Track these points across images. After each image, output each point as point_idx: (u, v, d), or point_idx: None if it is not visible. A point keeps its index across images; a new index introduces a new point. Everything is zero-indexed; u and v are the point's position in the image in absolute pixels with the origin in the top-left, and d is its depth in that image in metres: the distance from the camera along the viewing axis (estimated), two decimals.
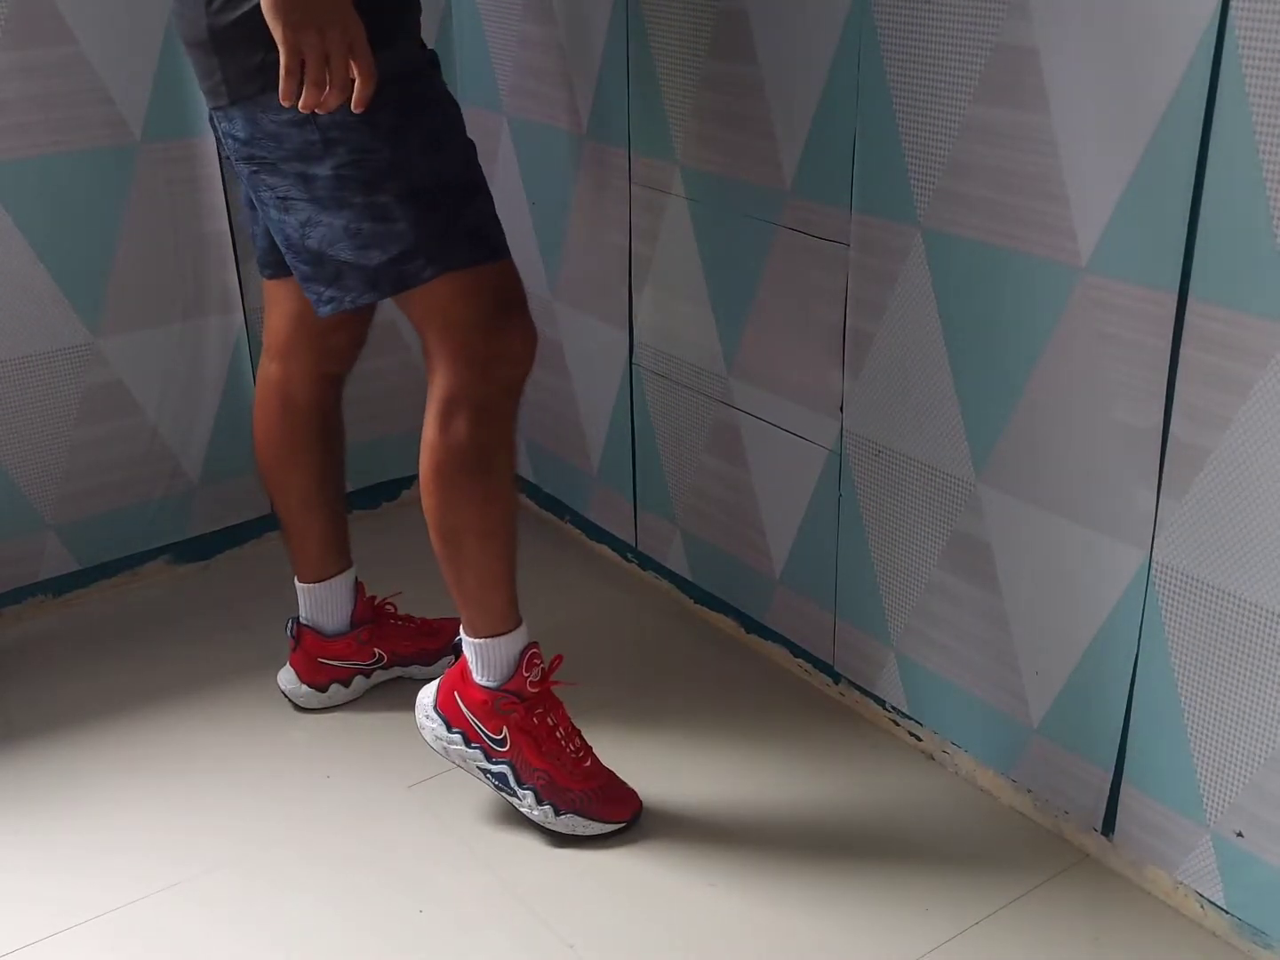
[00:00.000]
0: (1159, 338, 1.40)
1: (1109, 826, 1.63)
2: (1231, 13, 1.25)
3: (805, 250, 1.78)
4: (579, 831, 1.69)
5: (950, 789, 1.80)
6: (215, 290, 2.23)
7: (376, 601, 2.01)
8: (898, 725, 1.89)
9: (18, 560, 2.18)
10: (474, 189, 1.55)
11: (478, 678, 1.68)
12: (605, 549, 2.38)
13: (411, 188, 1.49)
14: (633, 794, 1.74)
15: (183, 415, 2.26)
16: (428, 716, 1.72)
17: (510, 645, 1.67)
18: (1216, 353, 1.35)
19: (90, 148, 2.05)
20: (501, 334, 1.56)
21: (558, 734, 1.70)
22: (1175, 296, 1.37)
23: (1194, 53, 1.29)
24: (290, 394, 1.81)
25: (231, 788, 1.82)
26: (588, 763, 1.72)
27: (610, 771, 1.74)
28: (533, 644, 1.70)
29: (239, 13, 1.42)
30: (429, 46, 1.61)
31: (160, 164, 2.11)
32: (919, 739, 1.86)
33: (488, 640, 1.66)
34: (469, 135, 1.58)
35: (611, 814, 1.70)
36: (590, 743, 1.76)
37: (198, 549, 2.35)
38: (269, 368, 1.83)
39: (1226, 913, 1.52)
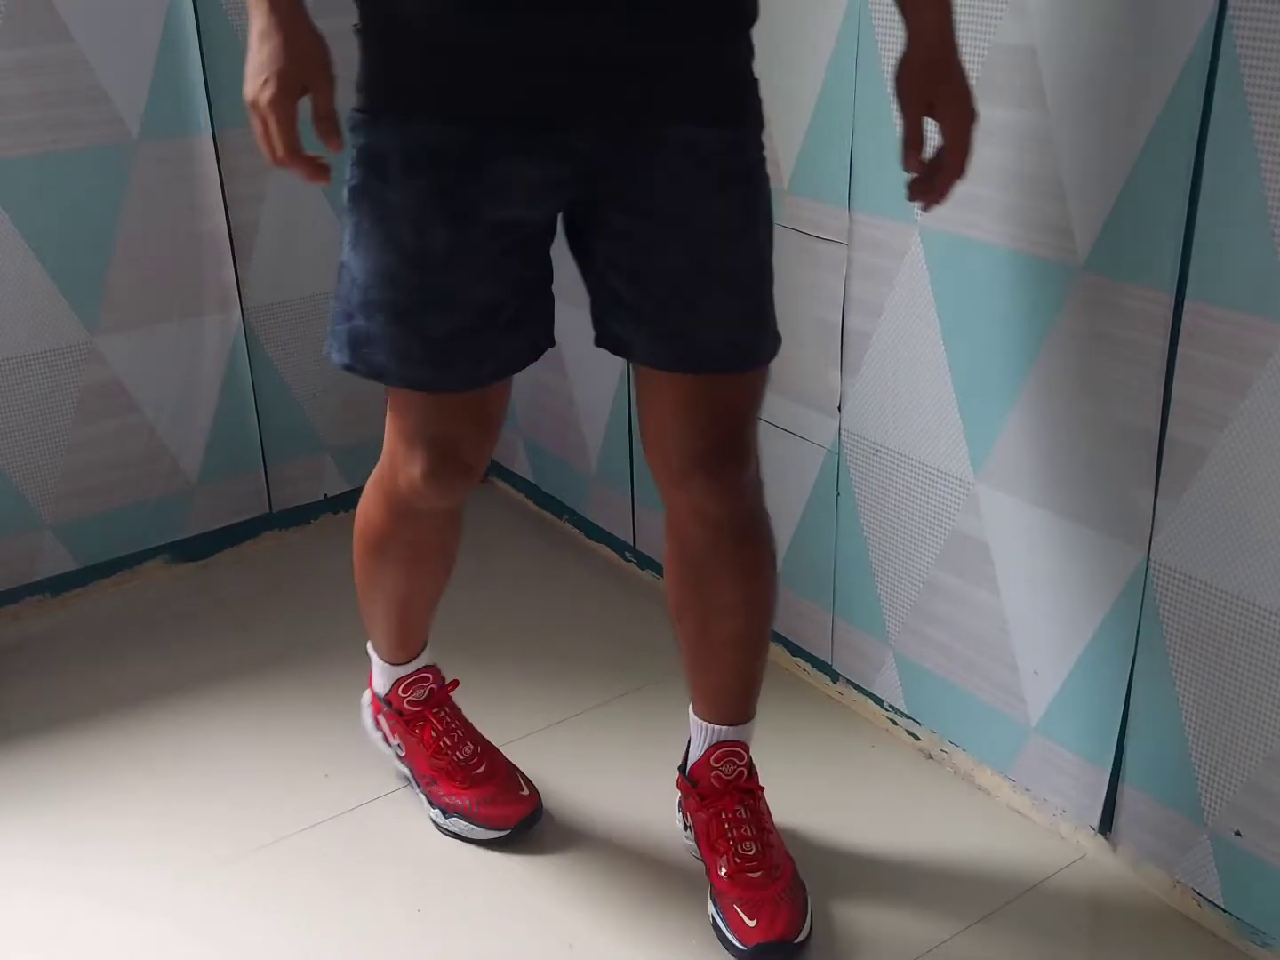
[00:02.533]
0: (1156, 337, 1.40)
1: (1107, 825, 1.63)
2: (1229, 12, 1.25)
3: (803, 249, 1.78)
4: (467, 835, 1.70)
5: (948, 788, 1.80)
6: (213, 289, 2.23)
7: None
8: (896, 724, 1.89)
9: (15, 559, 2.18)
10: (370, 307, 1.35)
11: (374, 679, 1.77)
12: (604, 548, 2.38)
13: (342, 264, 1.38)
14: (522, 802, 1.70)
15: (181, 414, 2.26)
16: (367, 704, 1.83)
17: (392, 672, 1.73)
18: (1214, 352, 1.35)
19: (87, 146, 2.04)
20: (407, 459, 1.46)
21: (443, 743, 1.72)
22: (1173, 296, 1.37)
23: (1192, 51, 1.29)
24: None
25: (228, 787, 1.82)
26: (481, 768, 1.71)
27: (505, 778, 1.72)
28: (421, 671, 1.73)
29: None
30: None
31: (158, 162, 2.11)
32: (917, 738, 1.86)
33: (375, 657, 1.75)
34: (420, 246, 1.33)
35: (494, 822, 1.69)
36: (589, 742, 1.76)
37: (196, 548, 2.35)
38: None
39: (1225, 911, 1.52)
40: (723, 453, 1.42)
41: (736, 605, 1.51)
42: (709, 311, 1.37)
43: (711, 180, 1.32)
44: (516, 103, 1.27)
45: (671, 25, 1.26)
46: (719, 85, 1.31)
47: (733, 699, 1.59)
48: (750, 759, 1.62)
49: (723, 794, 1.59)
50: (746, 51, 1.33)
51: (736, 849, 1.56)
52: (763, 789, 1.63)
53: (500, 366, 1.43)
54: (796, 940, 1.51)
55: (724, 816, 1.58)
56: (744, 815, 1.58)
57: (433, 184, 1.30)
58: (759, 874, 1.54)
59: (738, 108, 1.33)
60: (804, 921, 1.53)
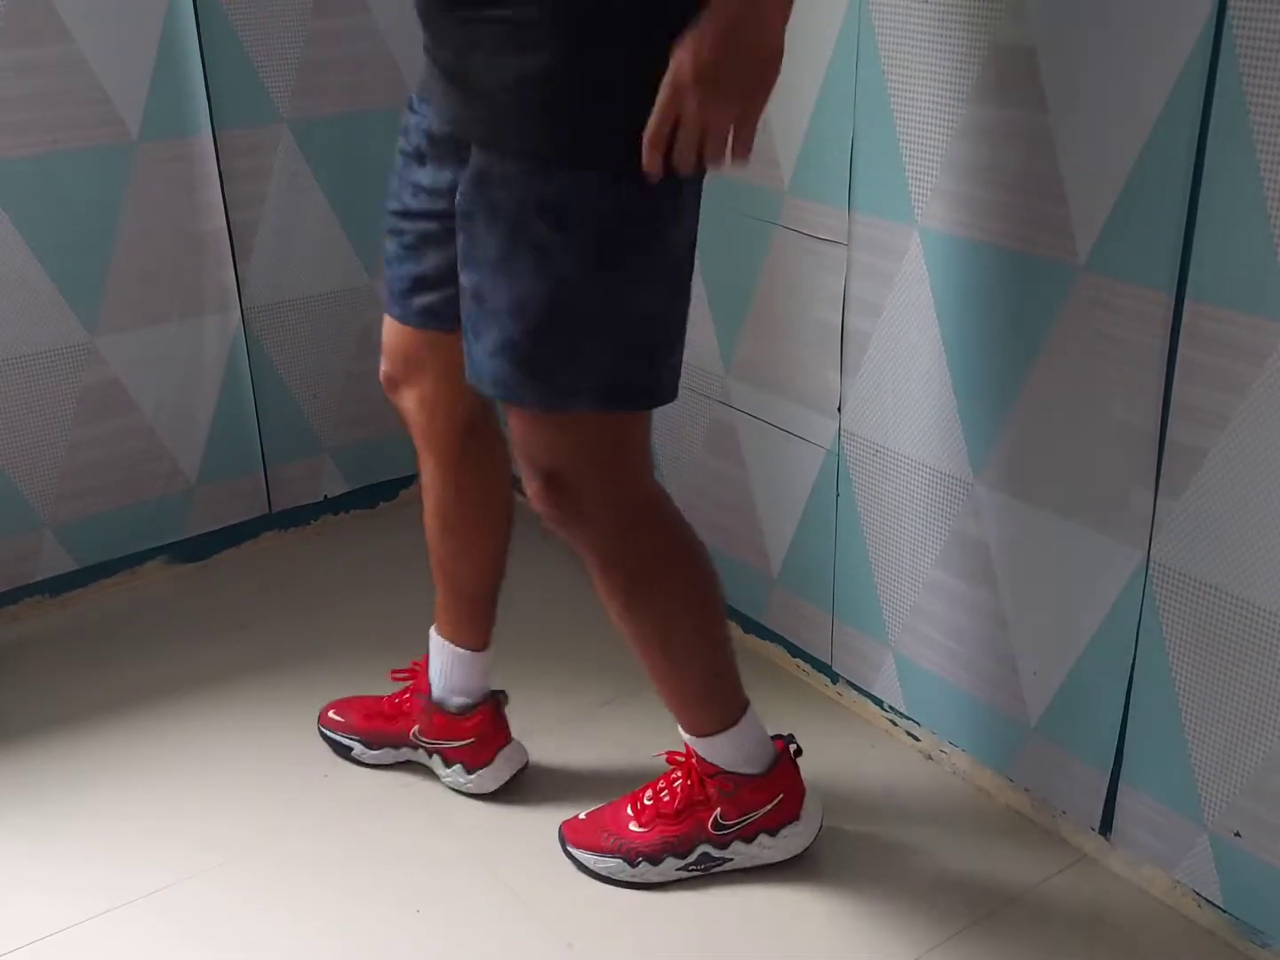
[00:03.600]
0: (1156, 337, 1.40)
1: (1107, 826, 1.63)
2: (1229, 11, 1.25)
3: (803, 250, 1.78)
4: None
5: (948, 788, 1.80)
6: (213, 289, 2.23)
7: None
8: (895, 725, 1.89)
9: (15, 560, 2.17)
10: None
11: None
12: None
13: None
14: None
15: (180, 414, 2.26)
16: None
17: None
18: (1214, 352, 1.35)
19: (87, 146, 2.04)
20: None
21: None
22: (1173, 296, 1.37)
23: (1191, 51, 1.29)
24: None
25: (228, 787, 1.82)
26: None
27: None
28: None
29: None
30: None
31: (157, 163, 2.11)
32: (916, 739, 1.86)
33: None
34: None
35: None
36: (588, 743, 1.78)
37: (195, 548, 2.35)
38: None
39: (1224, 912, 1.52)
40: (541, 483, 1.41)
41: (629, 638, 1.54)
42: (480, 338, 1.34)
43: (490, 210, 1.28)
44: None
45: (466, 42, 1.25)
46: (525, 115, 1.24)
47: (676, 712, 1.61)
48: (697, 777, 1.62)
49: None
50: (592, 85, 1.21)
51: (649, 792, 1.66)
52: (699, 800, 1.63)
53: (423, 315, 1.54)
54: (569, 846, 1.67)
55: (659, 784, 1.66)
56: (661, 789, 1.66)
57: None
58: (614, 800, 1.69)
59: (550, 144, 1.24)
60: (587, 848, 1.65)
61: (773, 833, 1.62)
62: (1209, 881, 1.52)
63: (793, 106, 1.72)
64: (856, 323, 1.73)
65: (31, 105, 1.98)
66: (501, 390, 1.35)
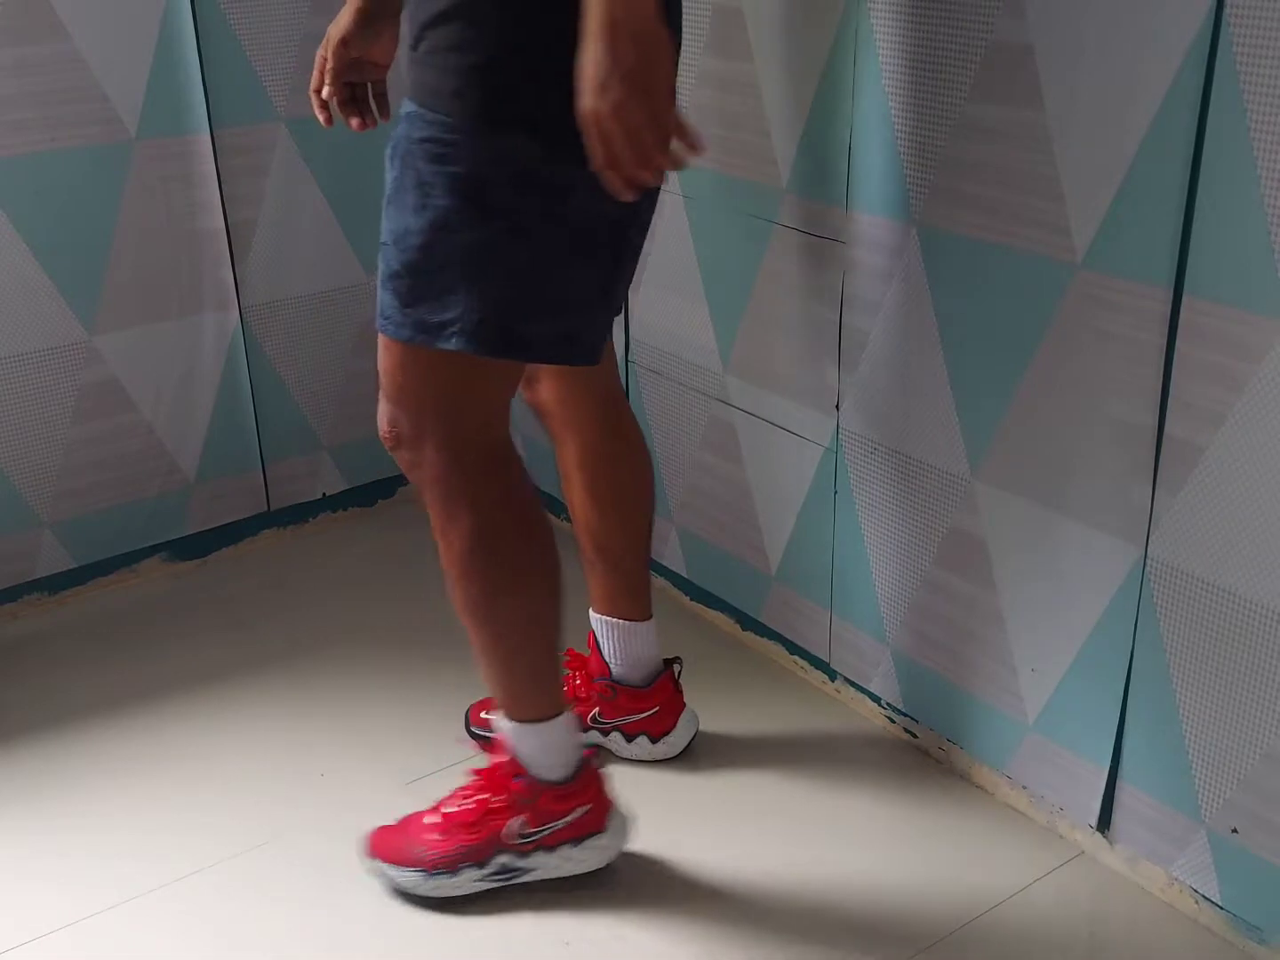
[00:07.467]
0: (1154, 334, 1.40)
1: (1105, 823, 1.63)
2: (1226, 9, 1.25)
3: (801, 248, 1.78)
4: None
5: (946, 786, 1.80)
6: (211, 287, 2.23)
7: None
8: (893, 722, 1.89)
9: (13, 558, 2.17)
10: None
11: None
12: None
13: None
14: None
15: (179, 412, 2.26)
16: None
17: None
18: (1212, 348, 1.35)
19: (85, 145, 2.04)
20: None
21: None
22: (1170, 292, 1.37)
23: (1189, 48, 1.29)
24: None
25: (226, 786, 1.82)
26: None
27: None
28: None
29: None
30: None
31: (155, 161, 2.11)
32: (915, 736, 1.86)
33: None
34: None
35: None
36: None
37: (193, 546, 2.35)
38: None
39: (1222, 909, 1.52)
40: (389, 417, 1.45)
41: (459, 607, 1.54)
42: (378, 271, 1.41)
43: (393, 145, 1.36)
44: None
45: None
46: (427, 67, 1.33)
47: (495, 691, 1.60)
48: (498, 785, 1.59)
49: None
50: (479, 46, 1.30)
51: (450, 801, 1.61)
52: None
53: None
54: (373, 855, 1.63)
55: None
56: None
57: None
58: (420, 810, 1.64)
59: (436, 96, 1.32)
60: (388, 860, 1.62)
61: (577, 843, 1.58)
62: (1207, 878, 1.53)
63: (791, 104, 1.72)
64: (854, 320, 1.74)
65: (29, 104, 1.98)
66: (381, 322, 1.39)
